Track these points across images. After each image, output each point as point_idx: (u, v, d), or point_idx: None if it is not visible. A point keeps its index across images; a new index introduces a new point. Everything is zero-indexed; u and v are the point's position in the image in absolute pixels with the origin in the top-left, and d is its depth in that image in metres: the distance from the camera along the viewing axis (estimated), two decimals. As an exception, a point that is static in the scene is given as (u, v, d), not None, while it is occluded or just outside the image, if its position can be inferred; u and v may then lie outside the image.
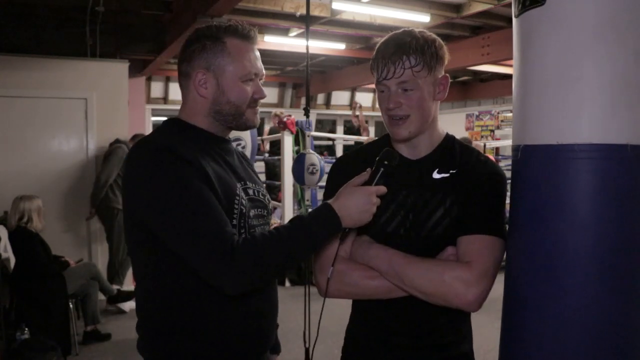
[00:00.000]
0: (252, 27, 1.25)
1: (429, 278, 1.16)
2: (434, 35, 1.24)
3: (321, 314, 1.26)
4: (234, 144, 1.35)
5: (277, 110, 7.03)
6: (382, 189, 1.17)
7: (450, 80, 1.27)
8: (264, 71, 1.28)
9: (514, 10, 1.12)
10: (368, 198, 1.14)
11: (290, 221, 1.14)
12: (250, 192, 1.27)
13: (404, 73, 1.18)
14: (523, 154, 1.08)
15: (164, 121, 1.31)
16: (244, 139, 5.02)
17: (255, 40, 1.26)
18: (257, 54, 1.27)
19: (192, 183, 1.11)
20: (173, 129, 1.26)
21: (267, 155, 7.33)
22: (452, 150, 1.29)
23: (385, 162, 1.19)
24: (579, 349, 1.00)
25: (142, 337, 1.25)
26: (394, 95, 1.20)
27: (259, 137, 7.01)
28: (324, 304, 1.23)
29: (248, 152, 5.16)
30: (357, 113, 7.53)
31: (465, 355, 1.32)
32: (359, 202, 1.14)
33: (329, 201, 1.15)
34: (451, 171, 1.26)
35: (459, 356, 1.30)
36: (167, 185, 1.10)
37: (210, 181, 1.14)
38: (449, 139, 1.32)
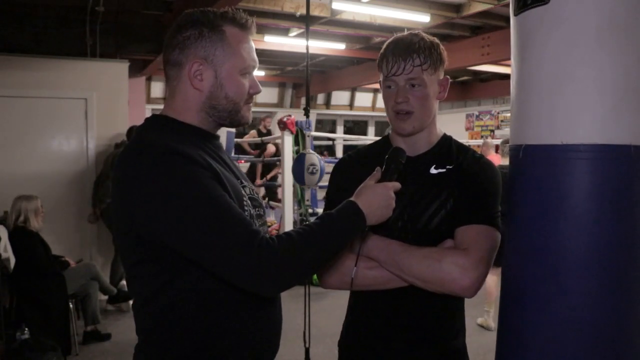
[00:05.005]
0: (248, 15, 1.17)
1: (427, 264, 1.18)
2: (436, 39, 1.30)
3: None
4: None
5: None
6: (398, 185, 1.19)
7: (450, 82, 1.34)
8: (258, 64, 1.22)
9: (512, 9, 1.11)
10: (388, 194, 1.16)
11: (319, 218, 1.11)
12: (248, 191, 1.20)
13: (413, 70, 1.24)
14: (525, 153, 1.07)
15: (150, 119, 1.19)
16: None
17: (252, 31, 1.17)
18: (253, 44, 1.18)
19: (213, 188, 1.03)
20: (165, 128, 1.14)
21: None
22: (449, 148, 1.34)
23: (395, 160, 1.22)
24: (577, 348, 1.00)
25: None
26: (402, 91, 1.26)
27: (261, 138, 7.01)
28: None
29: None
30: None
31: (457, 352, 1.33)
32: (380, 198, 1.14)
33: (351, 199, 1.14)
34: (447, 167, 1.30)
35: (452, 352, 1.32)
36: (188, 193, 1.01)
37: (224, 184, 1.08)
38: (446, 138, 1.37)
